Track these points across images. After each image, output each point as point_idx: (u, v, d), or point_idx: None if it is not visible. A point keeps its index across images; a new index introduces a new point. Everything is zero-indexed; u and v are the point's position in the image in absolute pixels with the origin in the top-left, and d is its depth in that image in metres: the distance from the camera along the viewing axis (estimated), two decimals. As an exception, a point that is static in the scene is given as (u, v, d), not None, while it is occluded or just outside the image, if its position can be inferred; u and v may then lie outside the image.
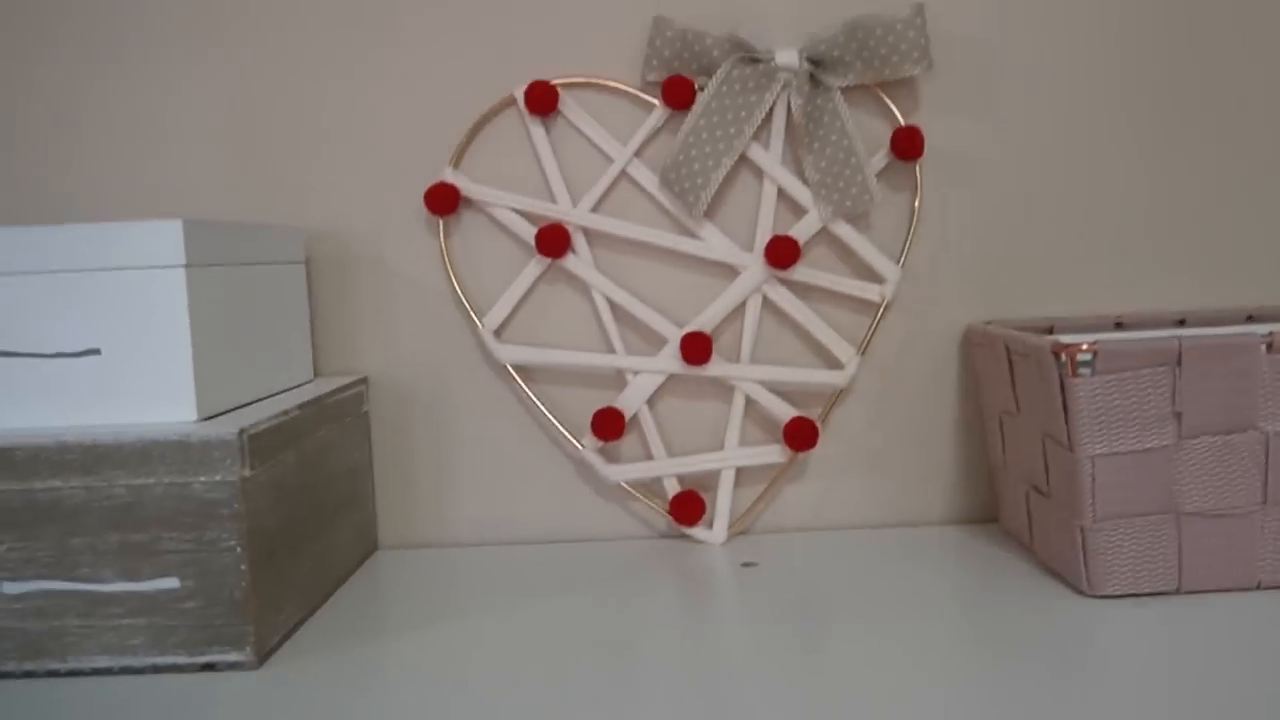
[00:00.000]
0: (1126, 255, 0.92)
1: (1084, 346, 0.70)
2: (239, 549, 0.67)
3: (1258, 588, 0.73)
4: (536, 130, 0.91)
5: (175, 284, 0.69)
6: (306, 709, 0.63)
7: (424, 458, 0.94)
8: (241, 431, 0.67)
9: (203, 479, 0.66)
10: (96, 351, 0.70)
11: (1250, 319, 0.91)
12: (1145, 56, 0.91)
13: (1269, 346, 0.70)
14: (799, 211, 0.91)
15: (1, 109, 0.93)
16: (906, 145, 0.89)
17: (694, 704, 0.61)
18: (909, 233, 0.91)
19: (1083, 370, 0.70)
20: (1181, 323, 0.91)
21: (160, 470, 0.66)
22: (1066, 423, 0.72)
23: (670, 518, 0.91)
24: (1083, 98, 0.91)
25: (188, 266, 0.70)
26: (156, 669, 0.68)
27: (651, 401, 0.92)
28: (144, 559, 0.67)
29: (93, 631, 0.67)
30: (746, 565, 0.84)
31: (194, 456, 0.66)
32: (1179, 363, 0.70)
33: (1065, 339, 0.71)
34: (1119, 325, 0.90)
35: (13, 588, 0.67)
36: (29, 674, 0.68)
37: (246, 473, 0.67)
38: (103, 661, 0.68)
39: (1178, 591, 0.73)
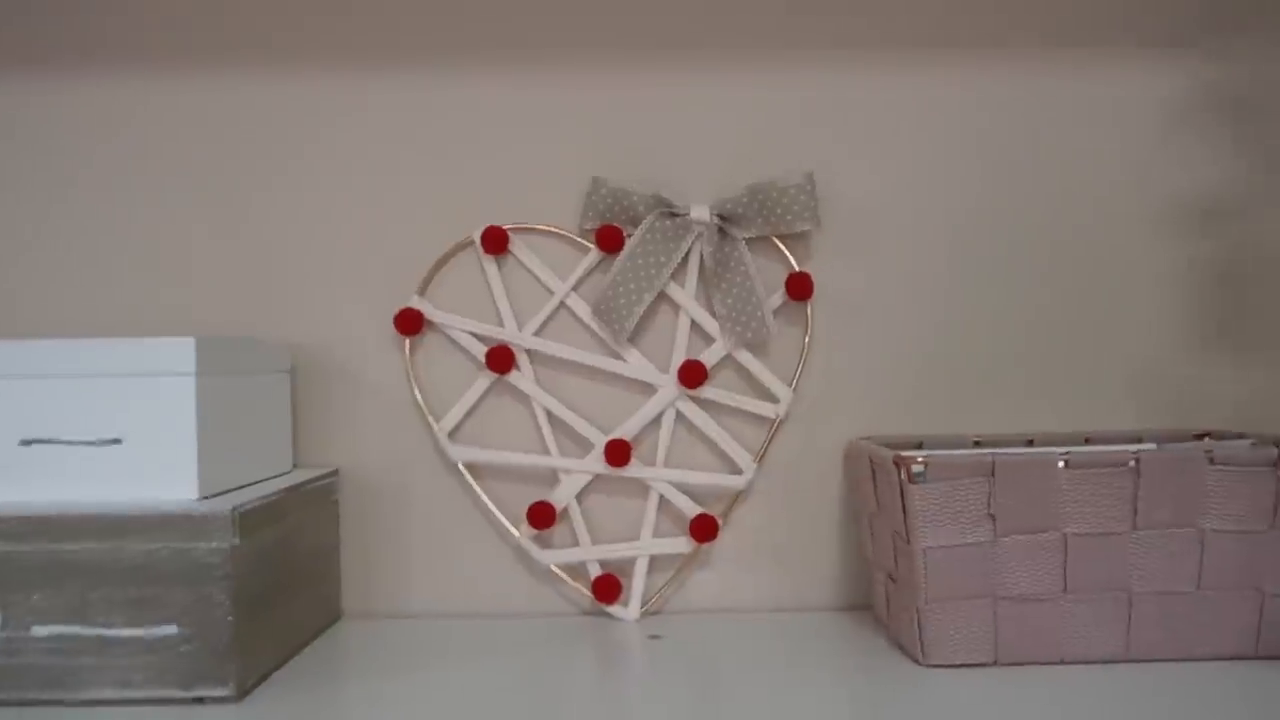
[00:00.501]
0: (987, 383, 1.08)
1: (918, 459, 0.86)
2: (228, 603, 0.81)
3: (1061, 661, 0.88)
4: (490, 266, 1.06)
5: (186, 389, 0.85)
6: (276, 733, 0.77)
7: (384, 540, 1.07)
8: (234, 509, 0.82)
9: (201, 546, 0.81)
10: (119, 441, 0.85)
11: (1087, 441, 1.05)
12: (1002, 216, 1.07)
13: (1066, 464, 0.87)
14: (708, 340, 1.06)
15: (31, 237, 1.07)
16: (799, 288, 1.05)
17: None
18: (800, 361, 1.07)
19: (918, 478, 0.86)
20: (1030, 442, 1.05)
21: (166, 537, 0.81)
22: (905, 521, 0.88)
23: (592, 597, 1.05)
24: (950, 248, 1.07)
25: (197, 375, 0.85)
26: (154, 701, 0.82)
27: (580, 497, 1.07)
28: (149, 609, 0.81)
29: (103, 669, 0.81)
30: (653, 638, 0.99)
31: (195, 527, 0.81)
32: (993, 474, 0.86)
33: (905, 453, 0.88)
34: (977, 443, 1.05)
35: (41, 630, 0.81)
36: (46, 702, 0.81)
37: (237, 542, 0.82)
38: (109, 694, 0.81)
39: (995, 663, 0.88)
